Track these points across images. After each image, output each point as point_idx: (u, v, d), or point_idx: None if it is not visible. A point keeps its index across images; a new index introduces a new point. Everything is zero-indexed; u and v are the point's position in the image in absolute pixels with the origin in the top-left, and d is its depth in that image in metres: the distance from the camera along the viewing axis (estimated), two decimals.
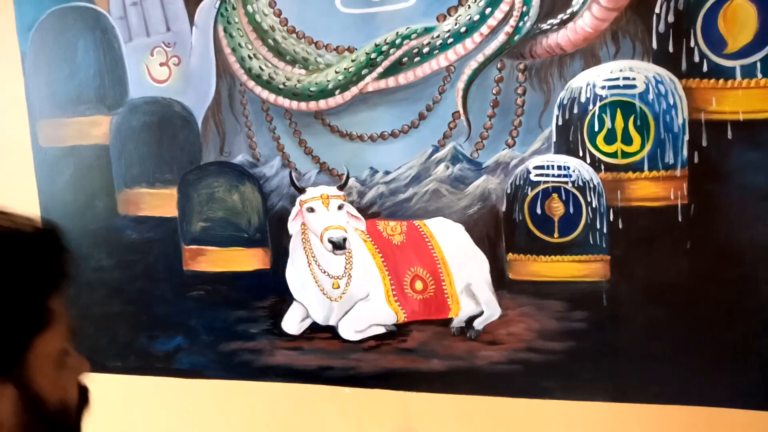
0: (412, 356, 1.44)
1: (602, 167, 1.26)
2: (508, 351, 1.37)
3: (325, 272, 1.45)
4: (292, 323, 1.50)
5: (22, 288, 0.65)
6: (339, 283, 1.45)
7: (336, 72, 1.39)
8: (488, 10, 1.28)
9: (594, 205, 1.27)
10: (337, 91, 1.39)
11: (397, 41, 1.34)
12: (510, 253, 1.34)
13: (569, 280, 1.31)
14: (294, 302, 1.50)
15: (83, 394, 0.74)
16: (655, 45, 1.21)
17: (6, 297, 0.63)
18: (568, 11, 1.24)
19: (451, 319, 1.41)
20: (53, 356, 0.68)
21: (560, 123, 1.27)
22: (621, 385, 1.31)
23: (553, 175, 1.29)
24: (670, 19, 1.19)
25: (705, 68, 1.18)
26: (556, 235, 1.31)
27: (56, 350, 0.68)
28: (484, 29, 1.29)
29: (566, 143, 1.28)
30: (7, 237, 0.66)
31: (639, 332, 1.28)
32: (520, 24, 1.27)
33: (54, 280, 0.70)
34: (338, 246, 1.39)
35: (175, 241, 1.55)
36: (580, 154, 1.27)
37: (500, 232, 1.34)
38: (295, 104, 1.43)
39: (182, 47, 1.48)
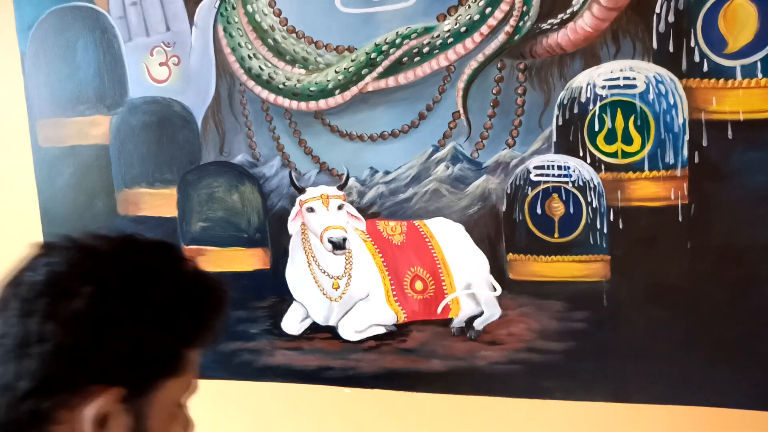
0: (412, 356, 1.44)
1: (602, 167, 1.26)
2: (508, 351, 1.37)
3: (325, 272, 1.45)
4: (292, 323, 1.50)
5: (174, 329, 0.65)
6: (339, 283, 1.45)
7: (336, 72, 1.38)
8: (488, 10, 1.28)
9: (594, 205, 1.27)
10: (337, 91, 1.39)
11: (397, 41, 1.33)
12: (510, 253, 1.34)
13: (569, 280, 1.30)
14: (294, 302, 1.50)
15: None
16: (655, 45, 1.20)
17: (153, 333, 0.62)
18: (568, 11, 1.24)
19: (451, 320, 1.41)
20: (172, 405, 0.67)
21: (560, 123, 1.27)
22: (621, 385, 1.31)
23: (554, 175, 1.29)
24: (671, 18, 1.19)
25: (705, 68, 1.18)
26: (556, 235, 1.31)
27: (176, 400, 0.68)
28: (484, 29, 1.29)
29: (566, 143, 1.27)
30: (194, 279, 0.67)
31: (639, 332, 1.28)
32: (520, 24, 1.27)
33: (203, 334, 0.69)
34: (338, 246, 1.39)
35: (174, 241, 1.55)
36: (581, 154, 1.27)
37: (500, 232, 1.34)
38: (294, 104, 1.43)
39: (182, 47, 1.48)
